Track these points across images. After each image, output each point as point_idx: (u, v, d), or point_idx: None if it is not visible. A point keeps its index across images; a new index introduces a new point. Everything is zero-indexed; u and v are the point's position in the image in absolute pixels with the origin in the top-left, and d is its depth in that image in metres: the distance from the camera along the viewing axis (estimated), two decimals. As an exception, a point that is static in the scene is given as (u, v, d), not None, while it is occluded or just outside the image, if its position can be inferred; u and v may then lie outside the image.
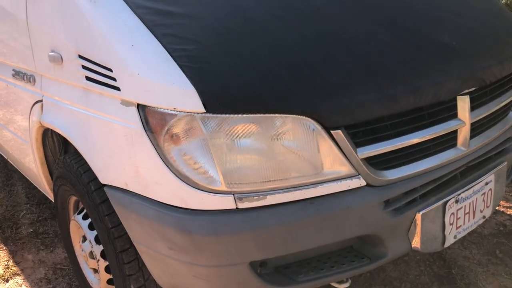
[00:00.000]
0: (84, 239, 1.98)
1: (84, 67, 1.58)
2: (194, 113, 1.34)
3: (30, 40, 1.89)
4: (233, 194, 1.39)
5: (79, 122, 1.68)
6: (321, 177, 1.44)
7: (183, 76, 1.35)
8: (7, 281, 2.57)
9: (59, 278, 2.56)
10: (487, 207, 1.88)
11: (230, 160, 1.37)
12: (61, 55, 1.69)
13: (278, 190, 1.41)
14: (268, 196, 1.40)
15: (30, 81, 1.99)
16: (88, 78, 1.58)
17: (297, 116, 1.38)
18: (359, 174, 1.48)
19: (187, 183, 1.40)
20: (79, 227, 1.99)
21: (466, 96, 1.67)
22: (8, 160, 3.10)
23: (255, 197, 1.40)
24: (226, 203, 1.39)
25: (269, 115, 1.37)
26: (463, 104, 1.67)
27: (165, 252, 1.49)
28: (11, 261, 2.73)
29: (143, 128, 1.42)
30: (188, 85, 1.34)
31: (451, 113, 1.67)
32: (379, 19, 1.70)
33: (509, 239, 2.57)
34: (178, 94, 1.35)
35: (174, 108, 1.36)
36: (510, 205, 2.91)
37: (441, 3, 1.93)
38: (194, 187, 1.39)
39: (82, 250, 2.00)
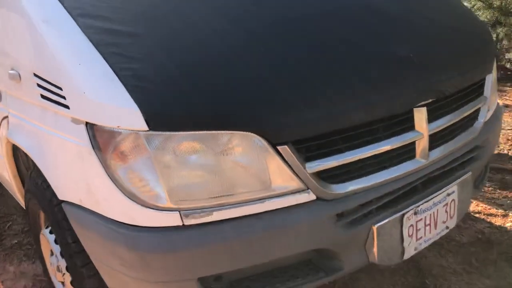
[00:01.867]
0: (52, 253, 2.00)
1: (39, 85, 1.61)
2: (138, 131, 1.36)
3: (-5, 58, 1.93)
4: (179, 211, 1.40)
5: (37, 139, 1.71)
6: (269, 192, 1.45)
7: (127, 95, 1.36)
8: (-14, 292, 2.59)
9: (38, 289, 2.58)
10: (451, 217, 1.88)
11: (175, 177, 1.39)
12: (19, 73, 1.71)
13: (225, 206, 1.42)
14: (214, 212, 1.41)
15: (-2, 98, 2.02)
16: (43, 96, 1.61)
17: (242, 132, 1.39)
18: (308, 188, 1.48)
19: (134, 200, 1.41)
20: (47, 241, 2.01)
21: (423, 108, 1.67)
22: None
23: (201, 214, 1.41)
24: (172, 220, 1.40)
25: (215, 131, 1.38)
26: (420, 115, 1.67)
27: (117, 268, 1.51)
28: (-7, 272, 2.76)
29: (91, 146, 1.44)
30: (132, 103, 1.35)
31: (408, 125, 1.67)
32: (331, 31, 1.70)
33: (486, 247, 2.55)
34: (122, 112, 1.37)
35: (118, 126, 1.37)
36: (491, 212, 2.89)
37: (401, 13, 1.92)
38: (140, 204, 1.41)
39: (51, 264, 2.02)
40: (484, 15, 5.90)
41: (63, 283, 2.03)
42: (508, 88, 5.63)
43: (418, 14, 1.96)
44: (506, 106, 4.90)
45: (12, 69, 1.76)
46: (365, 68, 1.61)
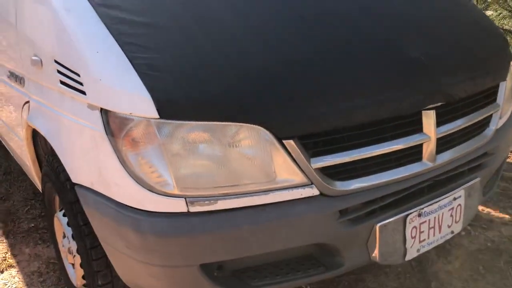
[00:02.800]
0: (64, 235, 2.07)
1: (58, 71, 1.68)
2: (149, 118, 1.41)
3: (19, 45, 2.00)
4: (185, 198, 1.45)
5: (55, 123, 1.78)
6: (273, 184, 1.49)
7: (140, 83, 1.41)
8: (2, 272, 2.69)
9: (50, 272, 2.66)
10: (456, 222, 1.88)
11: (183, 165, 1.43)
12: (41, 59, 1.79)
13: (230, 195, 1.46)
14: (219, 201, 1.45)
15: (20, 83, 2.10)
16: (62, 82, 1.68)
17: (250, 125, 1.43)
18: (312, 183, 1.51)
19: (142, 186, 1.46)
20: (60, 224, 2.08)
21: (432, 111, 1.68)
22: (13, 156, 3.24)
23: (206, 202, 1.45)
24: (178, 206, 1.45)
25: (223, 123, 1.43)
26: (428, 118, 1.68)
27: (124, 251, 1.56)
28: (9, 253, 2.86)
29: (104, 132, 1.50)
30: (144, 91, 1.40)
31: (416, 127, 1.68)
32: (344, 30, 1.72)
33: (494, 255, 2.53)
34: (135, 100, 1.42)
35: (131, 113, 1.43)
36: (502, 221, 2.87)
37: (415, 15, 1.94)
38: (149, 190, 1.46)
39: (63, 246, 2.09)
40: (509, 24, 5.82)
41: (73, 265, 2.10)
42: (531, 99, 5.54)
43: (432, 17, 1.97)
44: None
45: (35, 56, 1.83)
46: (374, 68, 1.63)
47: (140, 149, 1.44)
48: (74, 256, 1.98)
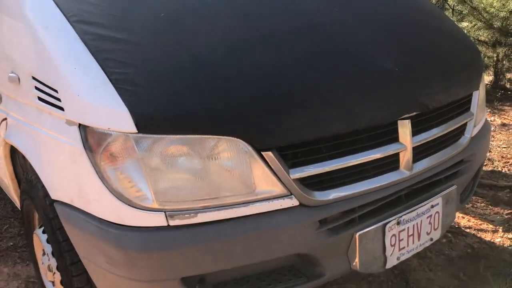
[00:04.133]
0: (44, 252, 2.05)
1: (36, 88, 1.67)
2: (127, 133, 1.41)
3: (-5, 61, 2.00)
4: (165, 212, 1.45)
5: (33, 139, 1.77)
6: (253, 196, 1.50)
7: (118, 98, 1.42)
8: (-21, 292, 2.63)
9: (30, 291, 2.62)
10: (435, 229, 1.91)
11: (162, 179, 1.44)
12: (19, 76, 1.78)
13: (210, 208, 1.47)
14: (199, 214, 1.46)
15: (-3, 100, 2.09)
16: (39, 98, 1.67)
17: (228, 137, 1.44)
18: (291, 194, 1.53)
19: (121, 200, 1.46)
20: (40, 241, 2.05)
21: (407, 120, 1.72)
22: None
23: (186, 215, 1.45)
24: (158, 220, 1.45)
25: (201, 136, 1.44)
26: (404, 128, 1.72)
27: (104, 266, 1.55)
28: (-13, 273, 2.80)
29: (83, 147, 1.50)
30: (122, 106, 1.41)
31: (392, 136, 1.72)
32: (318, 42, 1.76)
33: (474, 262, 2.57)
34: (113, 115, 1.42)
35: (109, 128, 1.43)
36: (481, 228, 2.92)
37: (388, 27, 1.98)
38: (128, 204, 1.46)
39: (42, 263, 2.07)
40: (484, 35, 5.97)
41: (53, 282, 2.07)
42: (507, 108, 5.67)
43: (406, 28, 2.02)
44: (504, 124, 4.93)
45: (12, 72, 1.82)
46: (350, 79, 1.67)
47: (119, 164, 1.45)
48: (54, 273, 1.96)
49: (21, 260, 2.94)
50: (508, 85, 6.43)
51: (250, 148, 1.46)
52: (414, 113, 1.74)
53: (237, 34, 1.68)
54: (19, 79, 1.78)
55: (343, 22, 1.88)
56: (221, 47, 1.61)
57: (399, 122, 1.71)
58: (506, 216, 3.04)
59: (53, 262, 1.94)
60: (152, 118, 1.41)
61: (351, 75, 1.67)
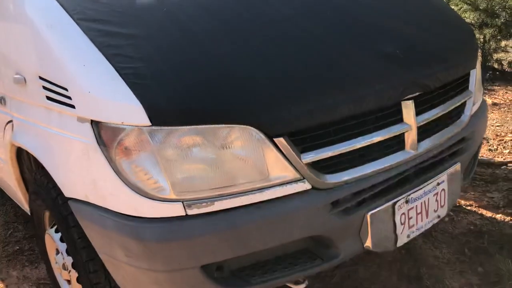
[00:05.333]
0: (58, 252, 2.06)
1: (44, 87, 1.68)
2: (141, 126, 1.43)
3: (-2, 65, 2.00)
4: (182, 202, 1.47)
5: (43, 139, 1.78)
6: (267, 182, 1.53)
7: (130, 92, 1.44)
8: (-9, 297, 2.64)
9: (41, 292, 2.63)
10: (441, 206, 1.96)
11: (178, 170, 1.46)
12: (24, 77, 1.79)
13: (226, 196, 1.50)
14: (216, 202, 1.49)
15: (1, 103, 2.09)
16: (48, 98, 1.68)
17: (240, 125, 1.47)
18: (304, 178, 1.56)
19: (138, 193, 1.48)
20: (52, 240, 2.07)
21: (411, 101, 1.76)
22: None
23: (203, 204, 1.48)
24: (176, 210, 1.47)
25: (214, 125, 1.46)
26: (408, 108, 1.76)
27: (124, 260, 1.57)
28: (-3, 278, 2.81)
29: (96, 143, 1.51)
30: (135, 100, 1.43)
31: (397, 117, 1.75)
32: (322, 28, 1.79)
33: (478, 237, 2.63)
34: (126, 109, 1.44)
35: (122, 123, 1.45)
36: (482, 205, 2.98)
37: (389, 11, 2.02)
38: (145, 197, 1.48)
39: (56, 263, 2.08)
40: (470, 17, 6.03)
41: (69, 281, 2.09)
42: (496, 87, 5.75)
43: (404, 12, 2.06)
44: (495, 104, 5.01)
45: (17, 74, 1.83)
46: (354, 64, 1.70)
47: (134, 157, 1.47)
48: (70, 271, 1.97)
49: (29, 263, 2.95)
50: (496, 66, 6.51)
51: (262, 136, 1.49)
52: (417, 93, 1.78)
53: (243, 24, 1.71)
54: (25, 80, 1.79)
55: (345, 8, 1.91)
56: (229, 38, 1.63)
57: (403, 103, 1.75)
58: (505, 192, 3.10)
59: (68, 260, 1.96)
60: (165, 110, 1.43)
61: (356, 59, 1.71)
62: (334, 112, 1.59)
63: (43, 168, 1.83)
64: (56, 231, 2.03)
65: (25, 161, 2.25)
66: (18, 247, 3.14)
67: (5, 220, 3.55)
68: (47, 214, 2.16)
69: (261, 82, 1.53)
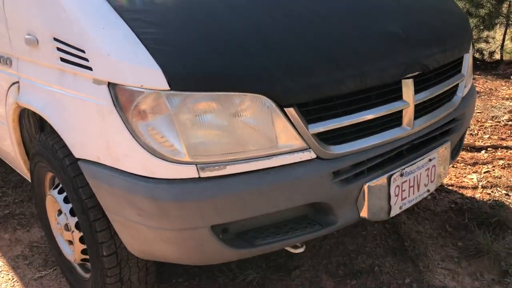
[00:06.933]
0: (60, 213, 2.11)
1: (59, 49, 1.71)
2: (160, 90, 1.48)
3: (6, 25, 2.00)
4: (196, 165, 1.54)
5: (55, 101, 1.81)
6: (275, 150, 1.61)
7: (150, 57, 1.48)
8: (-16, 258, 2.67)
9: (35, 254, 2.67)
10: (431, 182, 2.08)
11: (193, 134, 1.52)
12: (37, 38, 1.80)
13: (237, 161, 1.57)
14: (228, 166, 1.56)
15: (7, 64, 2.09)
16: (62, 59, 1.71)
17: (253, 94, 1.54)
18: (310, 147, 1.65)
19: (154, 155, 1.54)
20: (54, 201, 2.11)
21: (410, 79, 1.85)
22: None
23: (216, 167, 1.55)
24: (189, 172, 1.54)
25: (228, 93, 1.52)
26: (407, 87, 1.85)
27: (135, 219, 1.64)
28: (-13, 241, 2.83)
29: (113, 105, 1.56)
30: (154, 65, 1.48)
31: (397, 95, 1.85)
32: (332, 7, 1.86)
33: (458, 215, 2.78)
34: (145, 73, 1.49)
35: (141, 86, 1.50)
36: (462, 185, 3.13)
37: None
38: (160, 158, 1.54)
39: (58, 224, 2.13)
40: (460, 5, 6.17)
41: (70, 241, 2.14)
42: (477, 76, 5.94)
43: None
44: (476, 92, 5.18)
45: (29, 34, 1.84)
46: (361, 42, 1.78)
47: (151, 120, 1.52)
48: (73, 231, 2.02)
49: (20, 226, 2.98)
50: (477, 55, 6.69)
51: (273, 105, 1.56)
52: (416, 73, 1.87)
53: (257, 2, 1.76)
54: (37, 40, 1.80)
55: None
56: (246, 9, 1.69)
57: (403, 81, 1.84)
58: (484, 174, 3.27)
59: (72, 221, 2.01)
60: (184, 76, 1.49)
61: (362, 38, 1.79)
62: (340, 86, 1.67)
63: (46, 130, 1.85)
64: (59, 192, 2.07)
65: (26, 124, 2.27)
66: (8, 211, 3.16)
67: (-8, 185, 3.54)
68: (48, 175, 2.19)
69: (275, 55, 1.60)
